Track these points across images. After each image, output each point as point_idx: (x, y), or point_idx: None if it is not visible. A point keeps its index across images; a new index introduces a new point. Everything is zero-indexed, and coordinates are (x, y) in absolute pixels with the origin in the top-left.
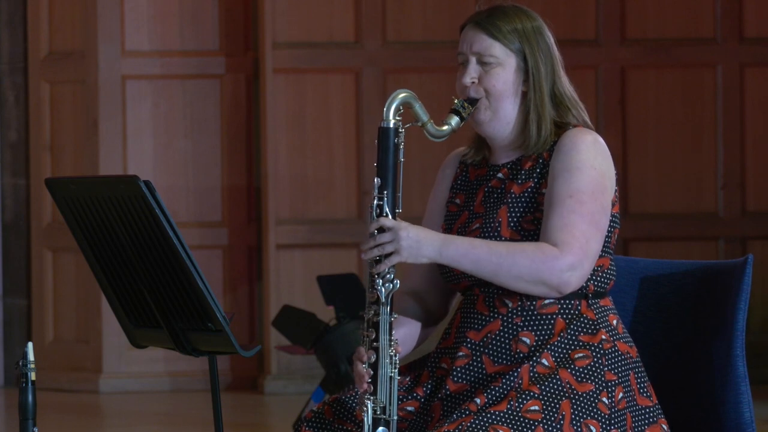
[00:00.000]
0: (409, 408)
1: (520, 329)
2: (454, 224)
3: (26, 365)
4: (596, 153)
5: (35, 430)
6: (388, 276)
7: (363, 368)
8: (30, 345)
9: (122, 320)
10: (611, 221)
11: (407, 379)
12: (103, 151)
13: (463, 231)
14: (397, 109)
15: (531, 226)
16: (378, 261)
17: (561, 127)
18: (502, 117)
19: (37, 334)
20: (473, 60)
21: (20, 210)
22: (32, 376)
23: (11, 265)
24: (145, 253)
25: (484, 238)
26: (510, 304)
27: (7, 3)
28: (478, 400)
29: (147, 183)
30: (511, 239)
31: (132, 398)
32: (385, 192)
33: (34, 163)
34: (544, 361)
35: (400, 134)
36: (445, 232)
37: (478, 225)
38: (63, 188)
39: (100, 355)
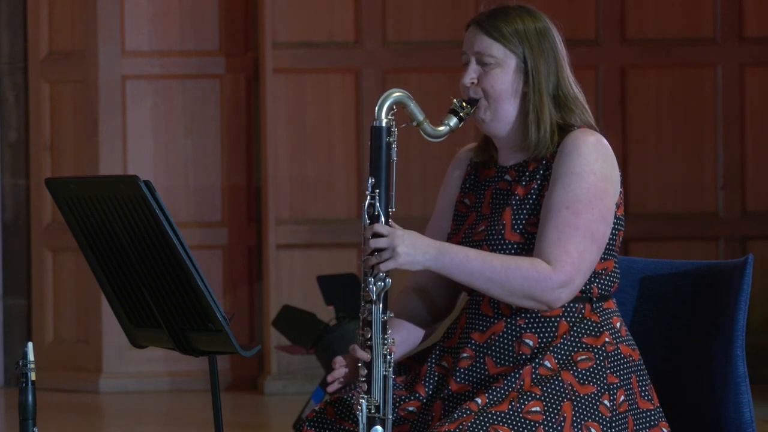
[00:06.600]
0: (411, 408)
1: (523, 331)
2: (462, 225)
3: (26, 365)
4: (597, 156)
5: (35, 430)
6: (380, 275)
7: (342, 364)
8: (30, 345)
9: (122, 320)
10: (616, 224)
11: (407, 377)
12: (103, 151)
13: (470, 232)
14: (389, 109)
15: (535, 228)
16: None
17: (564, 129)
18: (502, 117)
19: (37, 334)
20: (473, 60)
21: (20, 210)
22: (32, 376)
23: (11, 265)
24: (145, 253)
25: (489, 240)
26: (513, 306)
27: (7, 3)
28: (479, 400)
29: (147, 183)
30: (516, 242)
31: (132, 398)
32: (378, 191)
33: (34, 163)
34: (546, 363)
35: (392, 133)
36: (453, 232)
37: (483, 227)
38: (63, 188)
39: (100, 355)
